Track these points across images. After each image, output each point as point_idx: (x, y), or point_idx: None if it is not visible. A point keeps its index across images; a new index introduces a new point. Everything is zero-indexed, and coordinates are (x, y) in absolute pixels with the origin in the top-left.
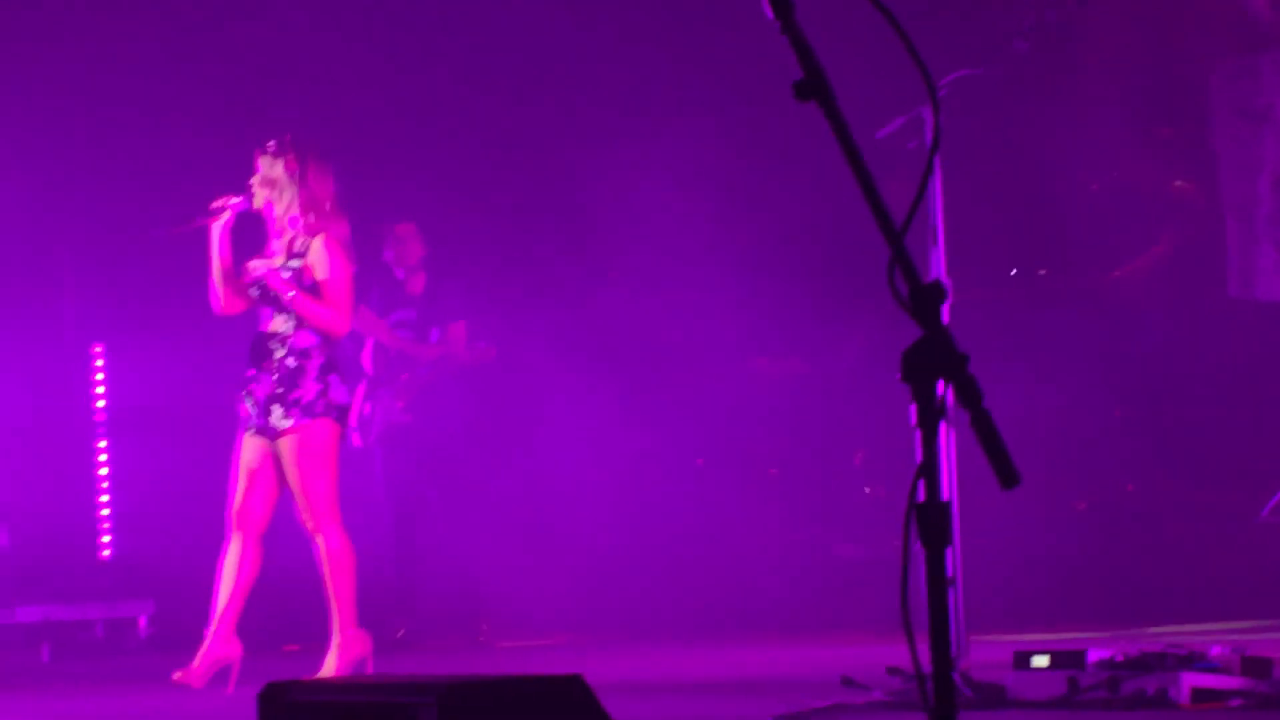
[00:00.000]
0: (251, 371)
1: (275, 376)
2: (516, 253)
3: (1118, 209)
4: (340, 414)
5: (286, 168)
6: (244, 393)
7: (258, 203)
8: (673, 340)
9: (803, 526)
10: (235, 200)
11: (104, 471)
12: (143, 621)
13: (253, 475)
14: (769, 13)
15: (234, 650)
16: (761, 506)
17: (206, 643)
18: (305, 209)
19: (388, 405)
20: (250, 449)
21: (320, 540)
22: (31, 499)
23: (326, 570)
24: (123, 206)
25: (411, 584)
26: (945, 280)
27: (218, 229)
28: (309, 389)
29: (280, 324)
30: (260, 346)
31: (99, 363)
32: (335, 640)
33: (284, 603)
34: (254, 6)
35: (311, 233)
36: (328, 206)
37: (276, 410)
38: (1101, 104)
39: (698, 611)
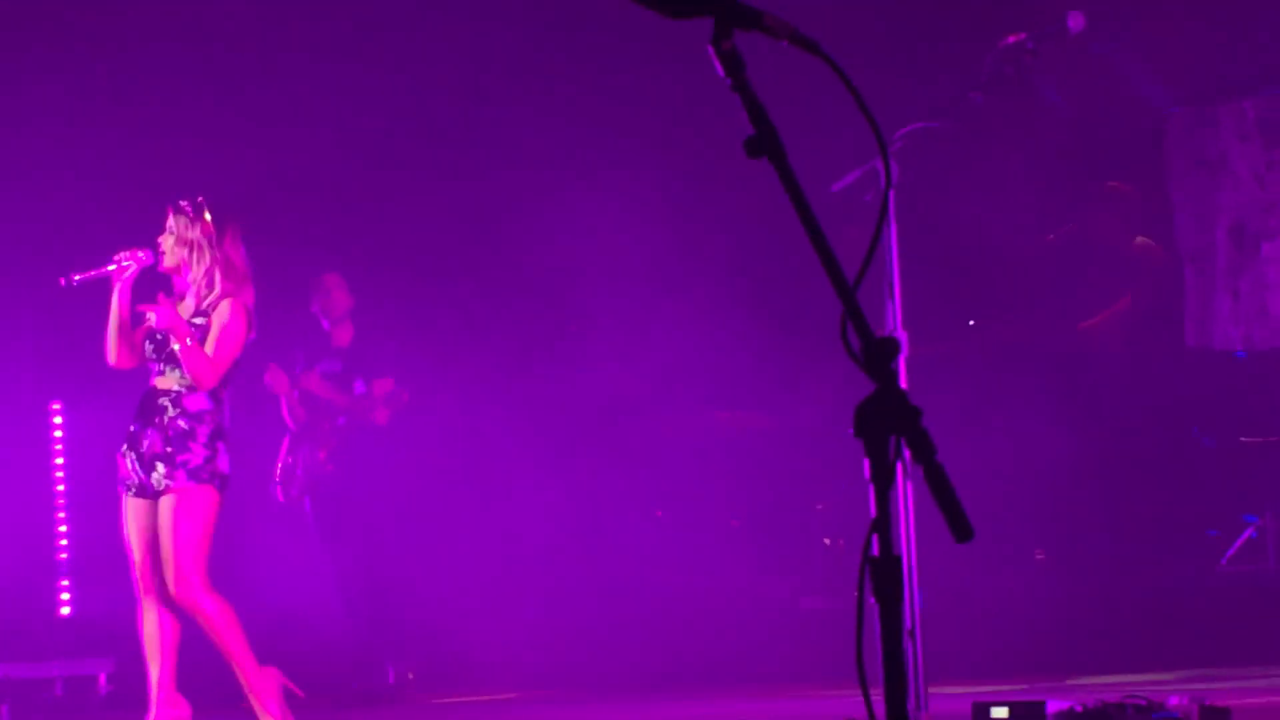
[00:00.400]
0: (136, 427)
1: (164, 435)
2: (462, 305)
3: (1075, 261)
4: (223, 484)
5: (204, 230)
6: (126, 447)
7: (170, 261)
8: (630, 392)
9: (765, 578)
10: (141, 255)
11: (63, 529)
12: (102, 679)
13: (146, 539)
14: (720, 70)
15: (183, 711)
16: (723, 558)
17: (153, 711)
18: (221, 273)
19: (309, 457)
20: (136, 513)
21: (197, 616)
22: None
23: (217, 640)
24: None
25: (373, 630)
26: (901, 334)
27: (121, 282)
28: (197, 453)
29: (171, 381)
30: (149, 403)
31: (57, 419)
32: (249, 689)
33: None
34: (169, 51)
35: (223, 295)
36: (241, 270)
37: (160, 469)
38: (1056, 157)
39: (660, 664)
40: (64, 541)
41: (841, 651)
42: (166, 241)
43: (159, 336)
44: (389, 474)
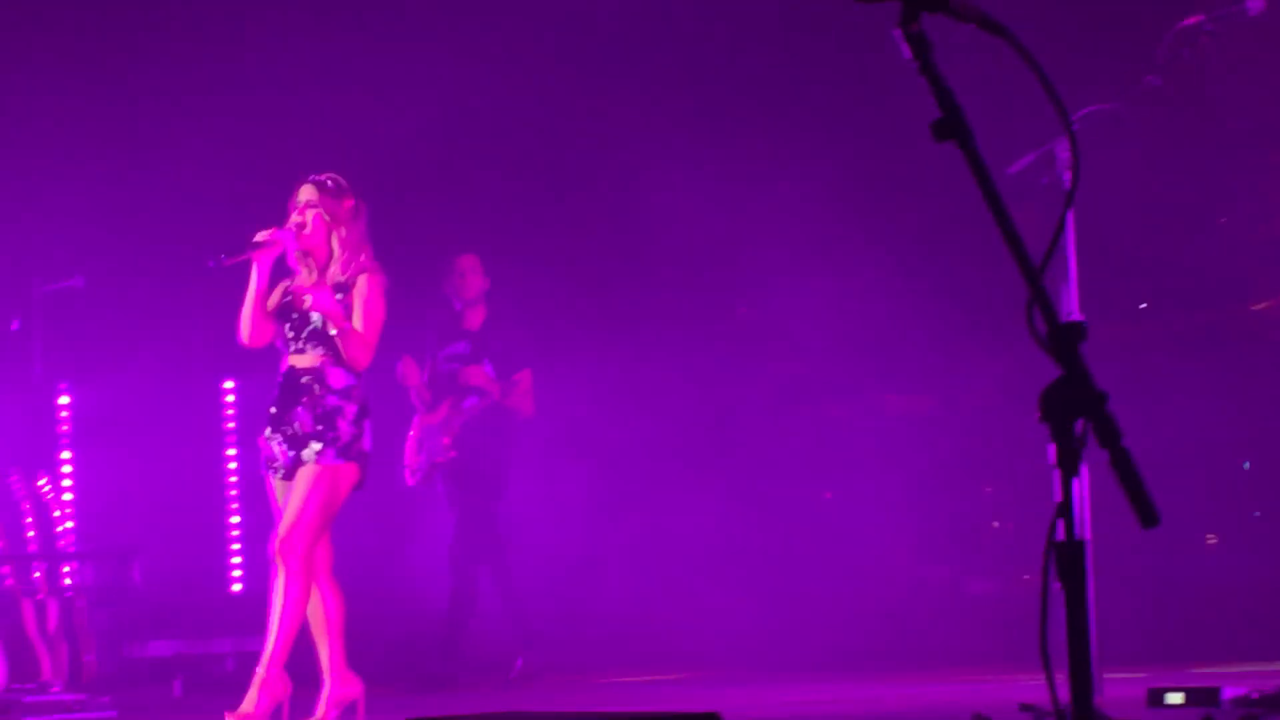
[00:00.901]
0: (279, 408)
1: (314, 413)
2: (618, 286)
3: (1251, 243)
4: (365, 462)
5: (345, 206)
6: (270, 430)
7: (310, 238)
8: (800, 374)
9: (931, 561)
10: (284, 233)
11: (234, 507)
12: None
13: None
14: (906, 53)
15: (355, 687)
16: (890, 541)
17: (326, 688)
18: (356, 247)
19: (434, 441)
20: (287, 495)
21: (284, 575)
22: (163, 535)
23: (285, 603)
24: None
25: (522, 615)
26: (1077, 317)
27: (261, 261)
28: (346, 431)
29: (311, 359)
30: (292, 382)
31: (230, 398)
32: (261, 675)
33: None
34: (290, 42)
35: (361, 270)
36: (371, 248)
37: (313, 446)
38: (1237, 137)
39: (826, 645)
40: (235, 519)
41: (1007, 635)
42: (306, 216)
43: (295, 315)
44: (545, 458)
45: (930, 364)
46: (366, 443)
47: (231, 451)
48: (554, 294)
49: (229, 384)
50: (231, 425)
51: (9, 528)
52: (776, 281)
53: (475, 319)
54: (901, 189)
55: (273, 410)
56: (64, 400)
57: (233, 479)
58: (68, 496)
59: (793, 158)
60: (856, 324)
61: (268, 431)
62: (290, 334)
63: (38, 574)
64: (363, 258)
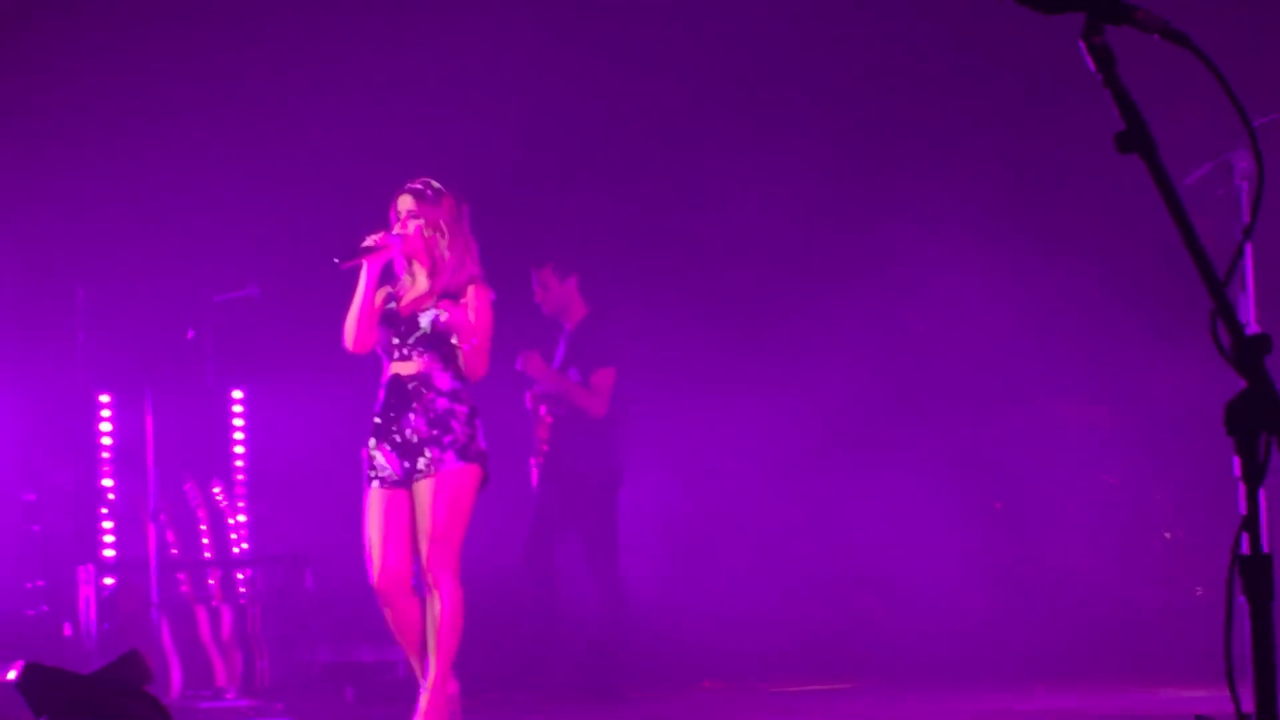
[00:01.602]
0: (387, 417)
1: (427, 418)
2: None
3: None
4: (485, 461)
5: (447, 211)
6: (376, 441)
7: (415, 245)
8: (973, 383)
9: (1101, 570)
10: (391, 238)
11: None
12: None
13: (409, 530)
14: (1091, 65)
15: (452, 687)
16: (1060, 550)
17: (426, 692)
18: (462, 253)
19: (536, 444)
20: (393, 505)
21: (438, 594)
22: (335, 540)
23: (440, 625)
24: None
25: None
26: (1254, 328)
27: (374, 267)
28: (461, 432)
29: (414, 366)
30: (399, 390)
31: None
32: (431, 687)
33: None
34: (380, 59)
35: (470, 278)
36: (477, 253)
37: (427, 453)
38: None
39: (992, 654)
40: None
41: (1178, 646)
42: (410, 225)
43: (401, 321)
44: (698, 468)
45: (1104, 372)
46: (482, 441)
47: None
48: (713, 298)
49: None
50: None
51: (183, 535)
52: (941, 286)
53: (570, 323)
54: (1073, 193)
55: (378, 420)
56: (238, 409)
57: None
58: (241, 504)
59: (960, 163)
60: (1027, 331)
61: (372, 442)
62: (395, 340)
63: (212, 581)
64: (469, 264)
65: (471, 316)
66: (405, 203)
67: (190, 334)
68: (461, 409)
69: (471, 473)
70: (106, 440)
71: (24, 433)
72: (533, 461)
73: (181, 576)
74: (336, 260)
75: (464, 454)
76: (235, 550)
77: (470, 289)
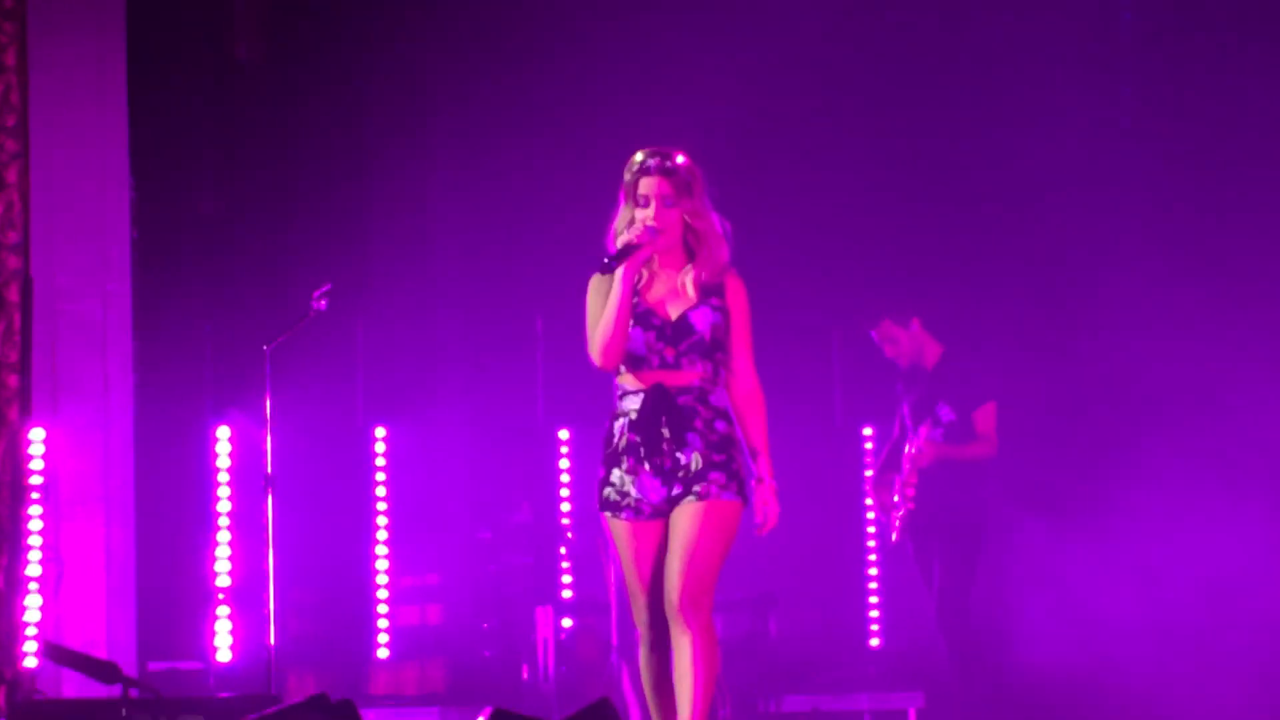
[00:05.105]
0: (647, 435)
1: (706, 440)
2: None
3: None
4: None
5: (698, 193)
6: (631, 464)
7: (668, 235)
8: None
9: None
10: (649, 233)
11: (873, 559)
12: (912, 714)
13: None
14: None
15: None
16: None
17: None
18: (720, 238)
19: (902, 493)
20: (650, 538)
21: (690, 635)
22: (804, 586)
23: (694, 673)
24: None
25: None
26: None
27: (632, 267)
28: (743, 462)
29: (682, 377)
30: (665, 403)
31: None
32: None
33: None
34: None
35: (722, 267)
36: (728, 231)
37: (710, 479)
38: None
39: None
40: (873, 570)
41: None
42: (664, 213)
43: (661, 323)
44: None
45: None
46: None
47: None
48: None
49: None
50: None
51: None
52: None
53: (928, 361)
54: None
55: (631, 438)
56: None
57: (870, 529)
58: None
59: None
60: None
61: (623, 464)
62: (659, 344)
63: None
64: (723, 249)
65: (736, 317)
66: (652, 185)
67: None
68: (740, 435)
69: (740, 510)
70: (565, 478)
71: (481, 468)
72: (895, 516)
73: None
74: (607, 260)
75: (743, 490)
76: None
77: (730, 280)
